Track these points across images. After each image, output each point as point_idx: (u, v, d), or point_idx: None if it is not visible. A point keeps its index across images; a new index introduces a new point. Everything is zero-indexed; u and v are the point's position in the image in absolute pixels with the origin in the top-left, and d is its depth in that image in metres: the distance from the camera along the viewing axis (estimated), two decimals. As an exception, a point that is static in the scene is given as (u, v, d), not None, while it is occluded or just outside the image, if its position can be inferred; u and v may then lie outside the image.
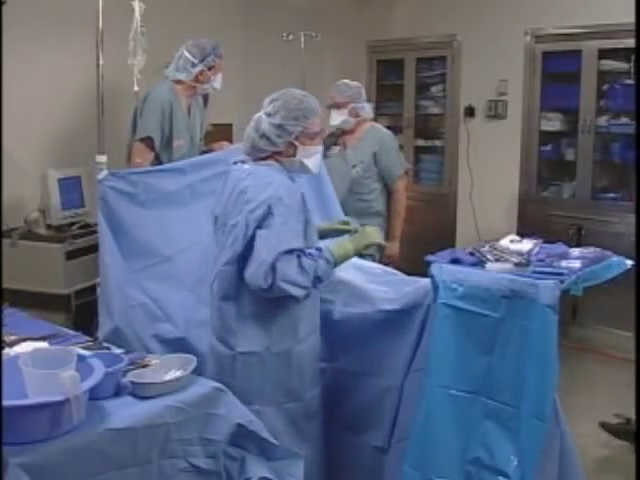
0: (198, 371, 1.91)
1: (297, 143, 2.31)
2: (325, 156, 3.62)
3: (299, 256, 2.16)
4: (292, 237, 2.17)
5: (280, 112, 2.27)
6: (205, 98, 3.66)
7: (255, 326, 2.25)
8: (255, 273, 2.12)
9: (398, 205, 3.83)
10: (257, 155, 2.33)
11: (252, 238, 2.16)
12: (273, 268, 2.10)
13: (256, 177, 2.25)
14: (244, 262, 2.19)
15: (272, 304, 2.23)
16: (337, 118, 3.75)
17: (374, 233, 2.43)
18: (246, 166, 2.34)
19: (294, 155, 2.33)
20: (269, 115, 2.28)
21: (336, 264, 2.27)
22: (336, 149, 3.81)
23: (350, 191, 3.72)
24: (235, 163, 2.39)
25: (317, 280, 2.21)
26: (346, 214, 3.28)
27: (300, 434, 2.31)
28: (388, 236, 3.75)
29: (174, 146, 3.41)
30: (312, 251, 2.21)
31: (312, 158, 2.37)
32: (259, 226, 2.16)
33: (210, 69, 3.42)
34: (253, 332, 2.25)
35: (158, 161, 3.40)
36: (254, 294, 2.20)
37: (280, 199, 2.17)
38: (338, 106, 3.74)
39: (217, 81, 3.49)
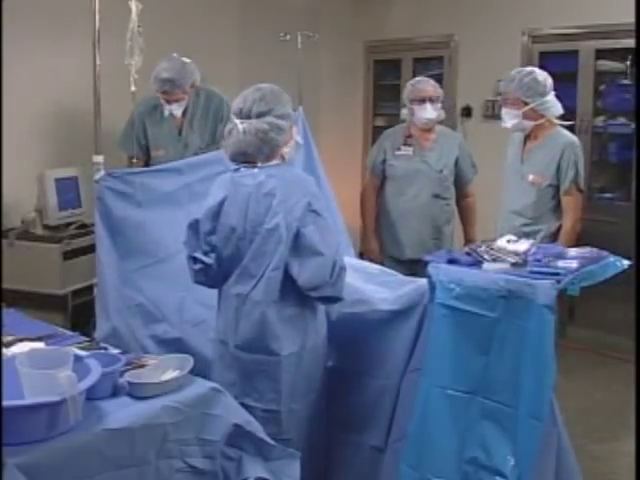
0: (195, 371, 1.91)
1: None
2: (395, 156, 3.62)
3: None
4: (335, 231, 2.25)
5: (273, 104, 2.21)
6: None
7: (293, 327, 2.23)
8: (318, 271, 2.11)
9: (475, 210, 3.77)
10: (265, 155, 2.23)
11: (295, 238, 2.14)
12: (336, 263, 2.12)
13: (279, 178, 2.19)
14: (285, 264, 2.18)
15: (308, 303, 2.23)
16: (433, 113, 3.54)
17: None
18: (256, 170, 2.22)
19: (292, 138, 2.29)
20: (264, 114, 2.19)
21: None
22: (409, 149, 3.60)
23: (436, 196, 3.59)
24: (237, 170, 2.26)
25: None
26: (427, 220, 3.54)
27: (317, 429, 2.34)
28: (467, 240, 3.62)
29: (152, 156, 3.50)
30: None
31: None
32: (302, 225, 2.13)
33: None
34: (292, 333, 2.22)
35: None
36: (297, 295, 2.18)
37: (315, 194, 2.19)
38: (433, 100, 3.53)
39: (174, 107, 3.38)
